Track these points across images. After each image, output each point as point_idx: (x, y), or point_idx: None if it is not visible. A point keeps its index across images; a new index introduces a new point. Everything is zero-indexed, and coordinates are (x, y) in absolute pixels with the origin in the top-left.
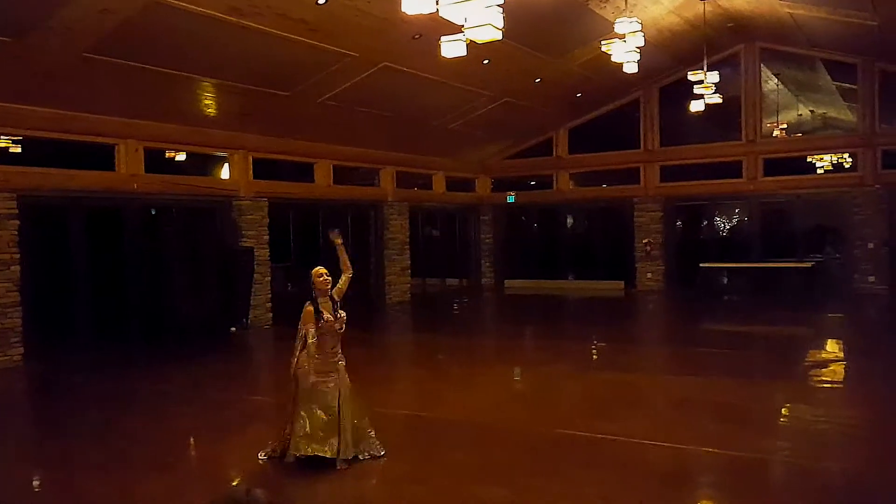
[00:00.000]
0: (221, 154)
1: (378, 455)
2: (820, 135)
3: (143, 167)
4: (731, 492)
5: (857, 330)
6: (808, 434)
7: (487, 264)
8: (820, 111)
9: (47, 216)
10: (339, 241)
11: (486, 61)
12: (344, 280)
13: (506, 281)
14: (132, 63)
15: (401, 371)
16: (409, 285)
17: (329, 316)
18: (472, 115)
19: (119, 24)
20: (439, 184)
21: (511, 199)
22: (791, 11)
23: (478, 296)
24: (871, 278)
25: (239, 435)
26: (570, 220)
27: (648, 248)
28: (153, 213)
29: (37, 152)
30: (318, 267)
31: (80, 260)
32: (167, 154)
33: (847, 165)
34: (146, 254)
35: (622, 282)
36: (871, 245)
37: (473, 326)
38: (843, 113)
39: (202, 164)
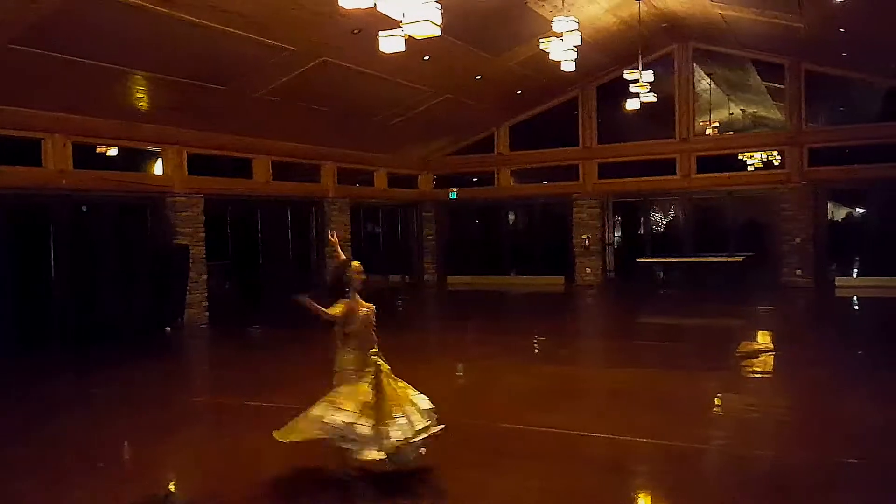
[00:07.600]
0: (155, 149)
1: None
2: (750, 133)
3: (73, 163)
4: (668, 480)
5: (786, 321)
6: (740, 422)
7: (430, 260)
8: (750, 110)
9: None
10: (335, 239)
11: (426, 57)
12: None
13: (448, 277)
14: (61, 55)
15: None
16: None
17: (366, 308)
18: (413, 111)
19: (47, 15)
20: (381, 180)
21: (453, 195)
22: (722, 12)
23: (420, 292)
24: (798, 271)
25: (173, 437)
26: (511, 217)
27: (587, 243)
28: (84, 209)
29: None
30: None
31: (3, 260)
32: (98, 149)
33: (776, 163)
34: (76, 252)
35: (562, 277)
36: (797, 240)
37: (416, 322)
38: (772, 112)
39: (136, 159)
